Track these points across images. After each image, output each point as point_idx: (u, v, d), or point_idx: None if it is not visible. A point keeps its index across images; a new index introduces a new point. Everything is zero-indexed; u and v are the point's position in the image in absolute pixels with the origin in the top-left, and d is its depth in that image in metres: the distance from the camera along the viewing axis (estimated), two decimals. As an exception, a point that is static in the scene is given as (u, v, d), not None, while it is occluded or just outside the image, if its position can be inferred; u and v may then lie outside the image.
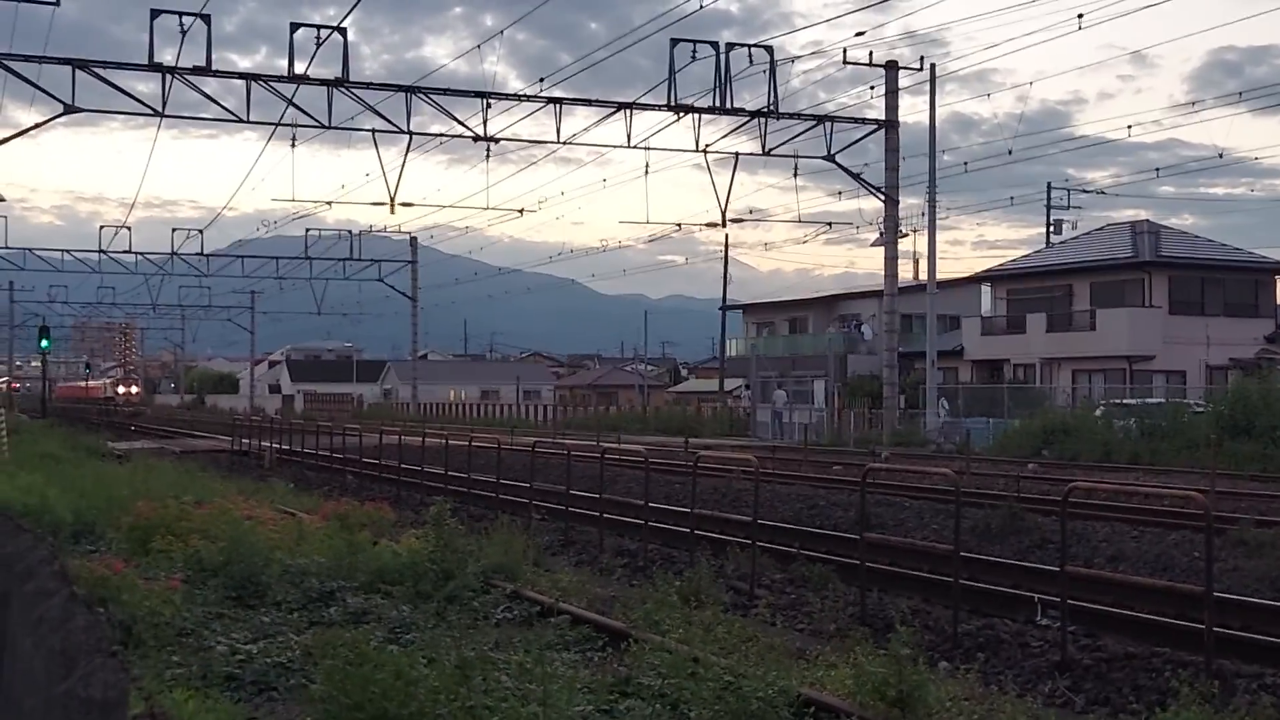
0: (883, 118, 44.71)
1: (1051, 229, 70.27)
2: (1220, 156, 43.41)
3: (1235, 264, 56.49)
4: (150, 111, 37.01)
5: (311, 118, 38.53)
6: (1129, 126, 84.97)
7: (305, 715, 7.36)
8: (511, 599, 11.66)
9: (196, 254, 73.15)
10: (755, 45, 39.62)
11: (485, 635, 9.69)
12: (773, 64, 39.40)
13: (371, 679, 6.96)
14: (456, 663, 7.34)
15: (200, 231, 70.07)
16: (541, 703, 6.54)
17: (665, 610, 10.55)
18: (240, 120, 37.99)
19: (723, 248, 73.85)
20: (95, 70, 36.24)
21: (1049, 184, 71.28)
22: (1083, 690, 8.89)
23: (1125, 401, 40.82)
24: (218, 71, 36.85)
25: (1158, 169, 44.14)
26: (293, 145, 41.05)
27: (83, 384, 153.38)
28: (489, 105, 39.36)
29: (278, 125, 39.67)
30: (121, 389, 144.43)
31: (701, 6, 32.76)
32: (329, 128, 38.93)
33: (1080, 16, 34.14)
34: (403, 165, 41.78)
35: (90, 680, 2.75)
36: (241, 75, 38.01)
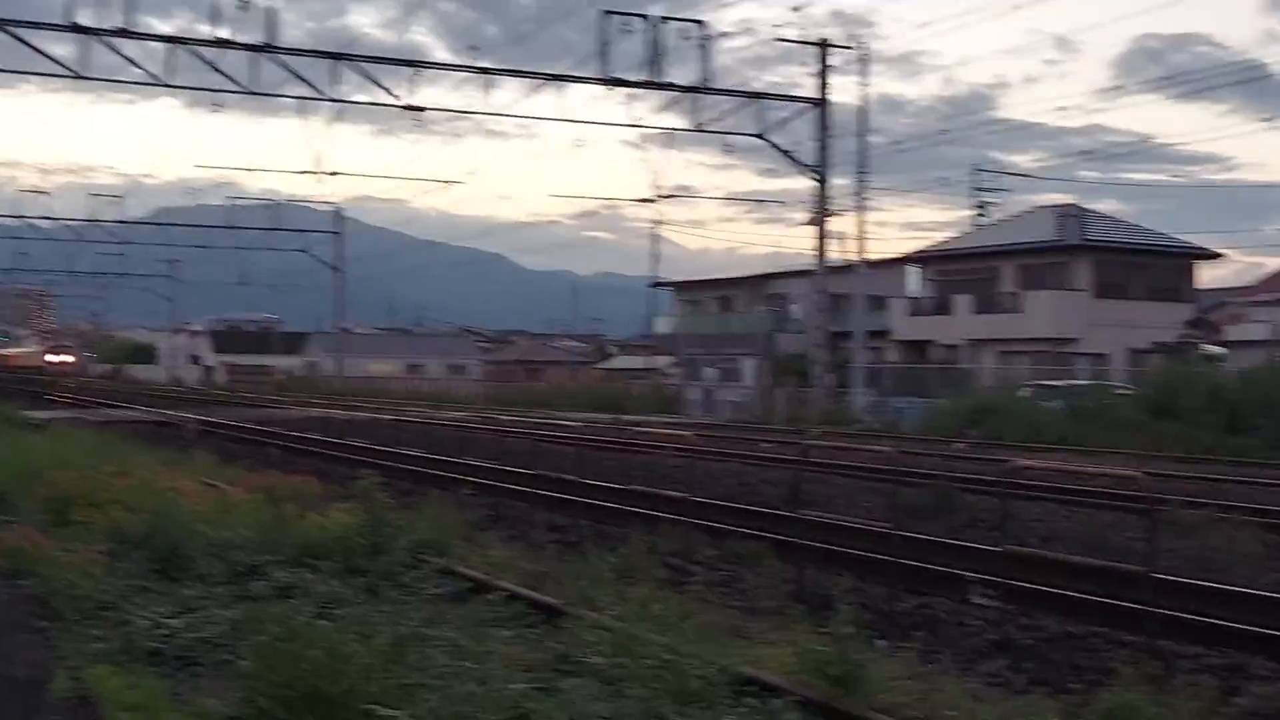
0: (814, 96, 44.70)
1: (978, 211, 70.84)
2: (1146, 141, 43.81)
3: (1159, 249, 57.25)
4: (69, 73, 36.17)
5: (236, 83, 37.82)
6: (1061, 109, 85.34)
7: (233, 692, 7.10)
8: (443, 574, 11.43)
9: (116, 221, 71.86)
10: (688, 20, 39.48)
11: (417, 611, 9.46)
12: (705, 39, 39.29)
13: (302, 655, 6.72)
14: (390, 639, 7.12)
15: (120, 198, 68.86)
16: (479, 680, 6.35)
17: (600, 586, 10.39)
18: (162, 85, 37.24)
19: (651, 225, 73.84)
20: (11, 30, 35.33)
21: (976, 167, 71.82)
22: (1022, 669, 8.85)
23: (1051, 383, 41.21)
24: (139, 34, 36.08)
25: (1084, 152, 44.55)
26: (217, 111, 40.32)
27: (9, 350, 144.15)
28: (417, 73, 38.86)
29: (201, 91, 38.94)
30: (52, 357, 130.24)
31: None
32: (254, 94, 38.27)
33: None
34: (329, 134, 41.25)
35: (13, 658, 2.54)
36: (164, 38, 37.27)
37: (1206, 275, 63.79)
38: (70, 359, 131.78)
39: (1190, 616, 9.48)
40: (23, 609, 8.43)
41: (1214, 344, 54.98)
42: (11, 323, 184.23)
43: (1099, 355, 51.26)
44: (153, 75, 37.52)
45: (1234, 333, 65.26)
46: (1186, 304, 57.01)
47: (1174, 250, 57.95)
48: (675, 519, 14.23)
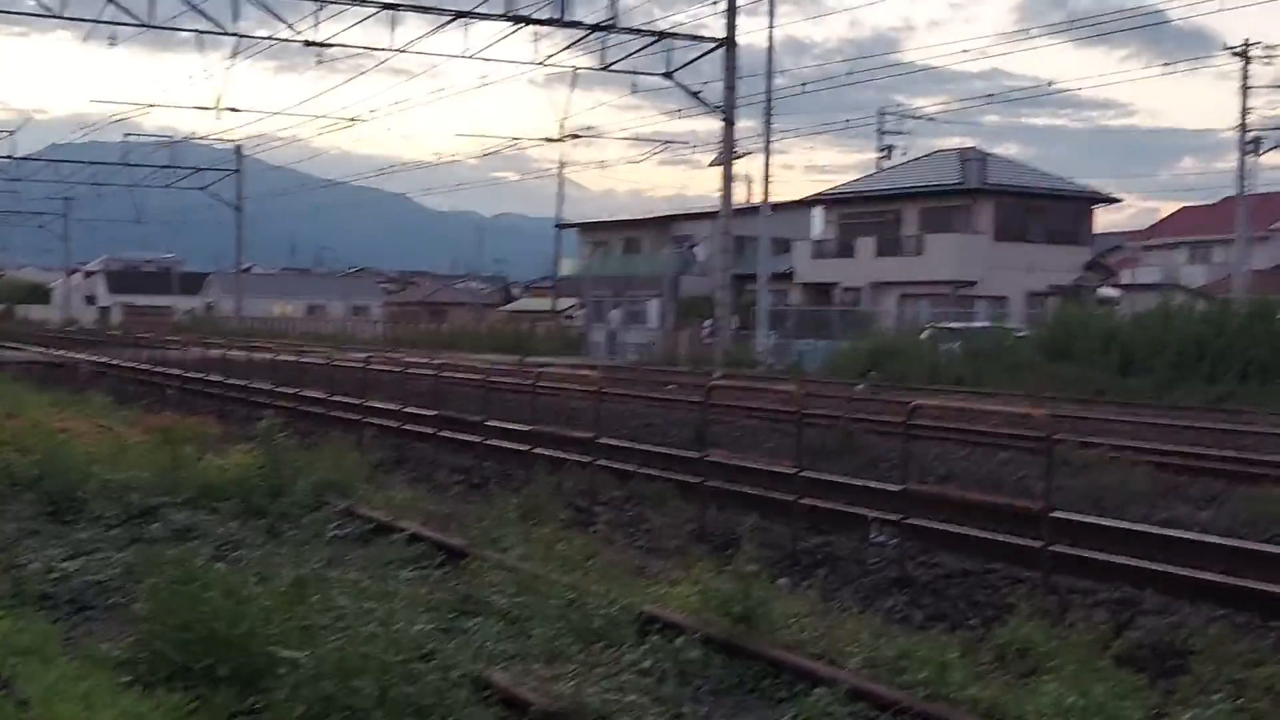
0: (721, 37, 44.52)
1: (882, 154, 71.23)
2: (1049, 85, 44.20)
3: (1058, 193, 58.06)
4: (-44, 3, 35.00)
5: (132, 15, 36.83)
6: (964, 51, 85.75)
7: (128, 635, 6.98)
8: (344, 516, 11.33)
9: (6, 157, 69.93)
10: (595, -43, 39.12)
11: (318, 553, 9.37)
12: (614, -24, 38.92)
13: (199, 598, 6.61)
14: (290, 581, 7.03)
15: (11, 133, 66.99)
16: (382, 622, 6.29)
17: (505, 527, 10.36)
18: (56, 16, 36.14)
19: (557, 166, 73.39)
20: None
21: (881, 110, 72.15)
22: (921, 606, 8.96)
23: (950, 325, 41.75)
24: (31, -37, 34.98)
25: (986, 96, 44.85)
26: (111, 44, 39.28)
27: None
28: (321, 8, 38.10)
29: (95, 23, 37.89)
30: None
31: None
32: (150, 27, 37.28)
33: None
34: (228, 69, 40.38)
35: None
36: (57, -32, 36.12)
37: (1104, 220, 65.11)
38: None
39: (1085, 553, 9.66)
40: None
41: (1109, 287, 56.10)
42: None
43: (998, 298, 52.03)
44: (46, 7, 36.44)
45: (1129, 276, 66.60)
46: (1084, 248, 57.99)
47: (1072, 195, 58.80)
48: (580, 461, 14.21)
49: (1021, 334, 38.45)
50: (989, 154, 60.72)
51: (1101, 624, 7.72)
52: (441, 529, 10.78)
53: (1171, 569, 9.29)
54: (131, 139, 69.63)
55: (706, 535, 11.20)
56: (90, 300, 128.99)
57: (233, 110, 49.75)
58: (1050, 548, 8.85)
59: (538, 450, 14.85)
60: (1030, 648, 7.25)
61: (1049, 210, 56.82)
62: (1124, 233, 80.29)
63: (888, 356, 37.26)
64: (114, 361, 33.51)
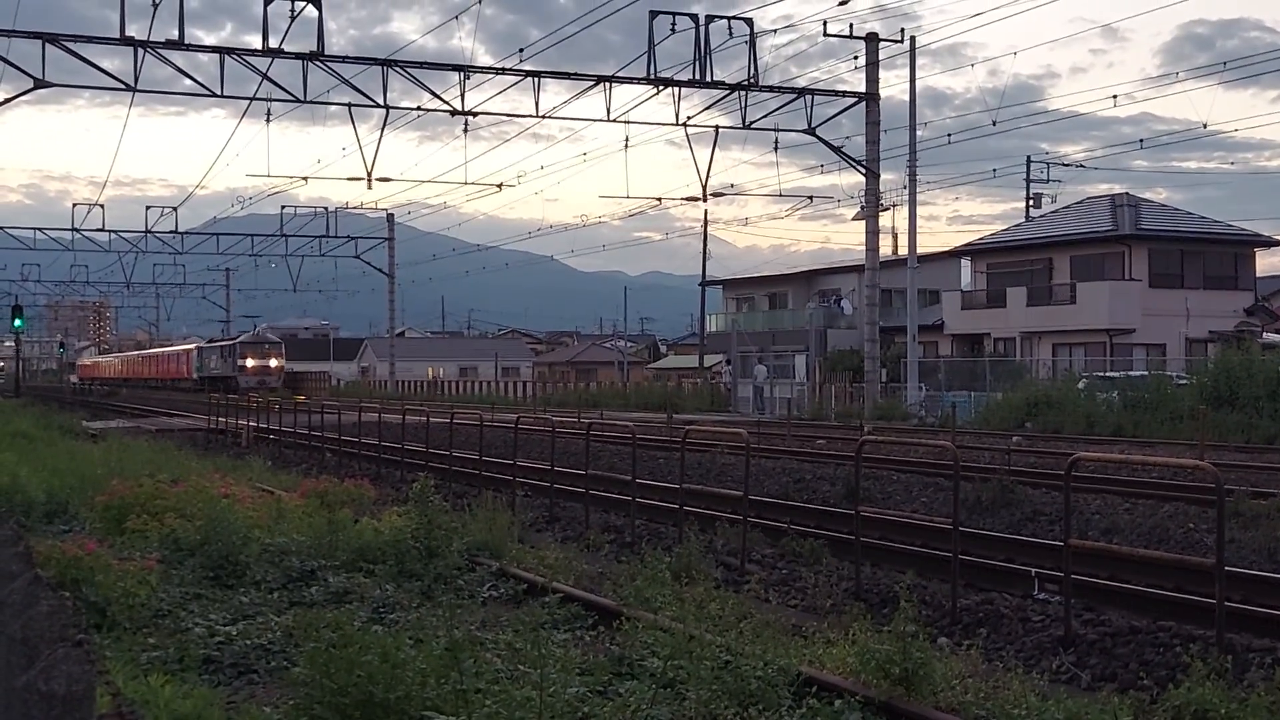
0: (861, 91, 44.38)
1: (1030, 203, 70.08)
2: (1204, 127, 43.17)
3: (1214, 236, 56.45)
4: (122, 86, 36.45)
5: (287, 92, 38.01)
6: (1114, 97, 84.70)
7: (287, 699, 7.05)
8: (498, 577, 11.37)
9: (170, 232, 72.44)
10: (734, 17, 39.30)
11: (472, 614, 9.40)
12: (753, 36, 39.07)
13: (356, 661, 6.66)
14: (445, 644, 7.04)
15: (174, 209, 69.37)
16: (536, 685, 6.25)
17: (656, 587, 10.27)
18: (214, 95, 37.44)
19: (699, 224, 73.61)
20: (66, 44, 35.65)
21: (1029, 157, 71.05)
22: (1088, 666, 8.66)
23: (1108, 374, 40.69)
24: (191, 45, 36.33)
25: (1139, 141, 43.94)
26: (267, 121, 40.57)
27: (138, 349, 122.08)
28: (467, 78, 38.88)
29: (252, 100, 39.19)
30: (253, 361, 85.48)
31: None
32: (304, 102, 38.41)
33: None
34: (379, 140, 41.34)
35: (53, 672, 2.45)
36: (215, 49, 37.41)
37: (1264, 262, 62.92)
38: (274, 363, 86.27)
39: (1262, 609, 9.25)
40: (69, 622, 8.41)
41: (1273, 331, 54.20)
42: (70, 335, 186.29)
43: (1155, 345, 50.65)
44: (205, 86, 37.78)
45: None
46: (1245, 292, 56.18)
47: (1229, 238, 57.10)
48: (731, 518, 14.10)
49: (1182, 382, 37.32)
50: (1141, 199, 59.37)
51: (1282, 685, 7.35)
52: (593, 589, 10.75)
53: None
54: (287, 210, 71.67)
55: (862, 593, 10.99)
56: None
57: (383, 180, 50.74)
58: (1224, 604, 8.49)
59: (688, 508, 14.78)
60: (1208, 709, 6.94)
61: (1206, 255, 55.26)
62: (1287, 275, 77.64)
63: (1043, 407, 36.47)
64: (274, 426, 34.30)
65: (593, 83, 39.64)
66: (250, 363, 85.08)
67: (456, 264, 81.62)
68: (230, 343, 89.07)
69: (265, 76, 37.05)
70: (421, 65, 39.25)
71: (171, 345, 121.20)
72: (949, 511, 11.01)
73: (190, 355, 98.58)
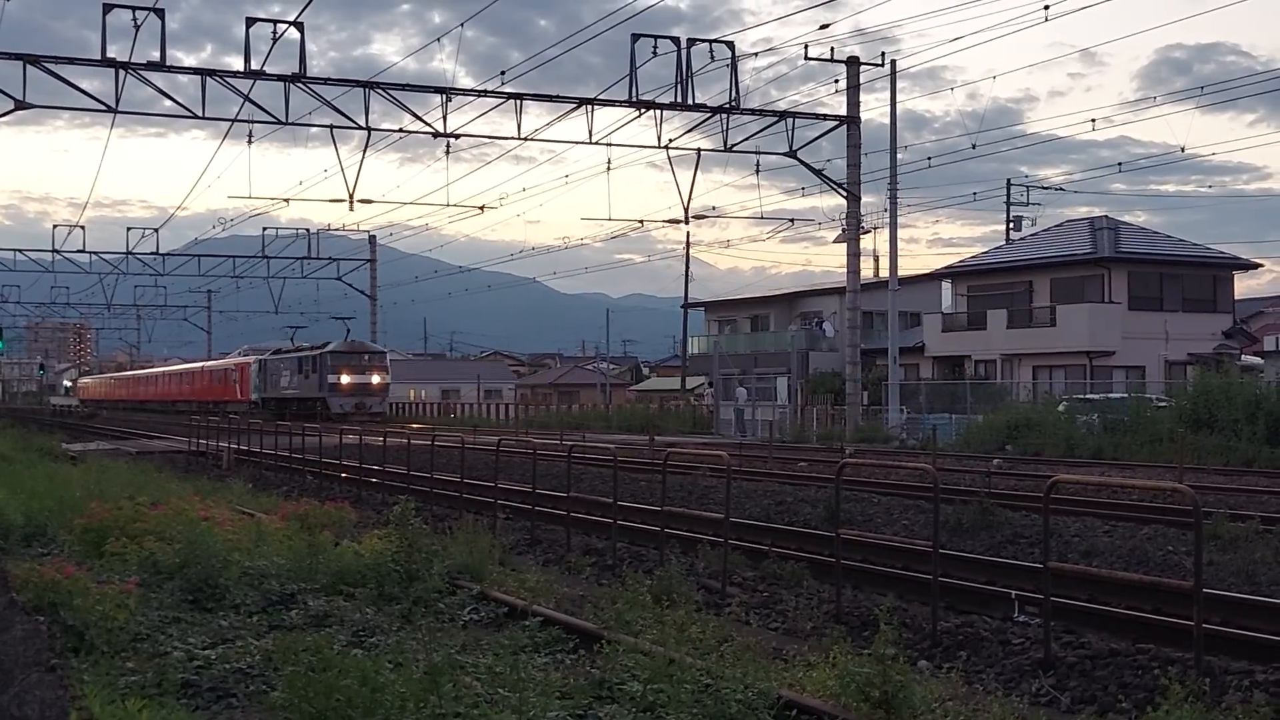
0: (841, 114, 44.61)
1: (1011, 225, 70.40)
2: (1182, 150, 43.42)
3: (1193, 259, 56.76)
4: (104, 108, 36.43)
5: (268, 113, 38.01)
6: (1092, 121, 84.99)
7: (266, 724, 7.02)
8: (478, 600, 11.34)
9: (151, 253, 72.31)
10: (716, 40, 39.49)
11: (452, 638, 9.37)
12: (734, 59, 39.25)
13: (335, 685, 6.64)
14: (425, 668, 7.03)
15: (155, 230, 69.25)
16: (516, 709, 6.24)
17: (637, 610, 10.25)
18: (196, 117, 37.39)
19: (681, 246, 73.89)
20: (47, 65, 35.61)
21: (1009, 180, 71.44)
22: (1068, 689, 8.67)
23: (1088, 397, 40.84)
24: (172, 67, 36.31)
25: (1117, 164, 44.13)
26: (249, 142, 40.56)
27: (165, 367, 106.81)
28: (449, 100, 38.95)
29: (234, 122, 39.18)
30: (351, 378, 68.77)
31: (654, 4, 32.68)
32: (286, 124, 38.41)
33: (1046, 8, 34.02)
34: (361, 161, 41.36)
35: (26, 698, 2.43)
36: (197, 70, 37.38)
37: (1243, 285, 63.29)
38: (378, 380, 69.63)
39: (1240, 632, 9.28)
40: (43, 646, 8.38)
41: (1252, 354, 54.47)
42: (51, 356, 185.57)
43: (1134, 368, 50.86)
44: (187, 107, 37.73)
45: (1273, 343, 64.57)
46: (1223, 315, 56.49)
47: (1208, 260, 57.42)
48: (713, 540, 14.09)
49: (1161, 404, 37.47)
50: (1121, 222, 59.67)
51: (1260, 707, 7.38)
52: (574, 612, 10.73)
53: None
54: (269, 232, 71.54)
55: (843, 616, 10.99)
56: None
57: (365, 201, 50.71)
58: (1202, 626, 8.51)
59: (670, 530, 14.77)
60: (1186, 733, 6.95)
61: (1185, 277, 55.55)
62: (1265, 298, 78.05)
63: (1023, 430, 36.57)
64: (255, 448, 34.18)
65: (575, 105, 39.76)
66: (345, 379, 66.98)
67: (439, 286, 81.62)
68: (316, 352, 69.30)
69: (246, 98, 37.04)
70: (403, 87, 39.33)
71: (199, 361, 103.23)
72: (929, 534, 11.02)
73: (246, 370, 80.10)
